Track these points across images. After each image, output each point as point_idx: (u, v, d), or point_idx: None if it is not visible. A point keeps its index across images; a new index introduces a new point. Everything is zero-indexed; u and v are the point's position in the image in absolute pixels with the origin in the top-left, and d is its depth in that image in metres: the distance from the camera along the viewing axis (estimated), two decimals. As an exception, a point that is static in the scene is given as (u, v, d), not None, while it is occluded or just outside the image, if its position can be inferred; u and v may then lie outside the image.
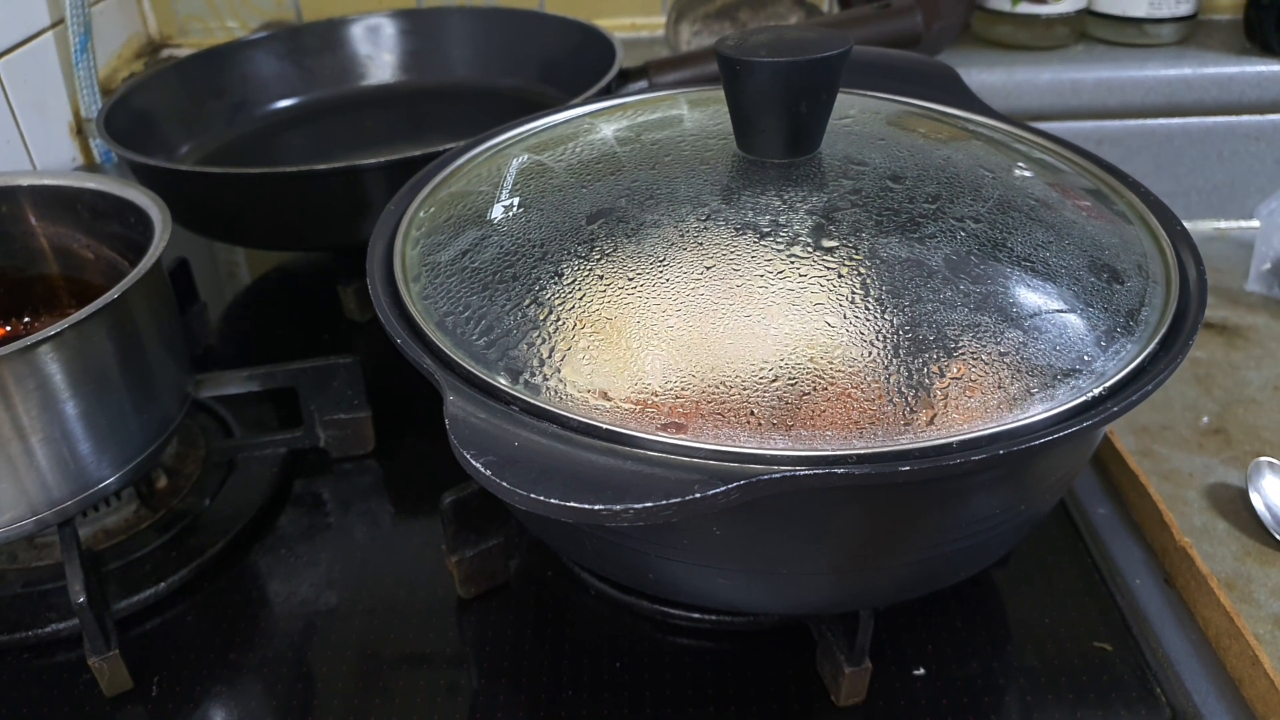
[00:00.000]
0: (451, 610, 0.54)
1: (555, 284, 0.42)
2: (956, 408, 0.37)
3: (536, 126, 0.59)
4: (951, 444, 0.36)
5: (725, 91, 0.46)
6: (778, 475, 0.33)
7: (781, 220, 0.42)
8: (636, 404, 0.37)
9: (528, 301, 0.42)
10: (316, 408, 0.62)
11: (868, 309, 0.39)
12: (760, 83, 0.44)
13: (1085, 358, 0.39)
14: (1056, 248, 0.43)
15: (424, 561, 0.57)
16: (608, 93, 0.76)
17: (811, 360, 0.38)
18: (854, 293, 0.39)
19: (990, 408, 0.37)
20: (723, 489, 0.32)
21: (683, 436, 0.36)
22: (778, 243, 0.41)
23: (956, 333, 0.39)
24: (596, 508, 0.31)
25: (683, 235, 0.42)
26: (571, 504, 0.31)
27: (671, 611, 0.51)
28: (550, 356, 0.40)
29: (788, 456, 0.35)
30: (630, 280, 0.41)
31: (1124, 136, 1.02)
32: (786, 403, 0.37)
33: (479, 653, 0.52)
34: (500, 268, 0.44)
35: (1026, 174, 0.48)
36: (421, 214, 0.51)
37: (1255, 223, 0.88)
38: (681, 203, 0.44)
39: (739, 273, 0.40)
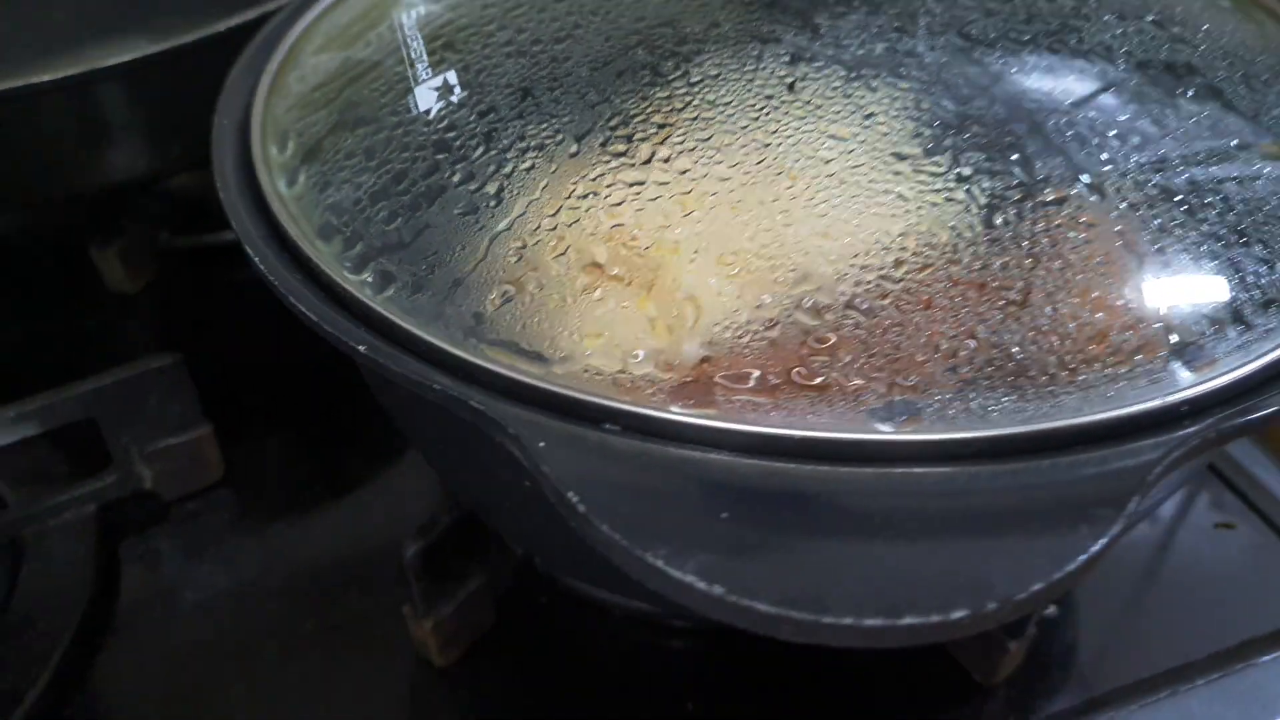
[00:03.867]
0: (428, 684, 0.38)
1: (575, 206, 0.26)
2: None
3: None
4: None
5: None
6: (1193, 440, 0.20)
7: (878, 49, 0.28)
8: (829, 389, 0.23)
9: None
10: (131, 439, 0.42)
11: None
12: None
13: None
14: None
15: (352, 621, 0.40)
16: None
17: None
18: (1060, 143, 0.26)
19: None
20: (1121, 523, 0.18)
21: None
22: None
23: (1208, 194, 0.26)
24: (933, 619, 0.17)
25: (770, 86, 0.27)
26: (909, 620, 0.16)
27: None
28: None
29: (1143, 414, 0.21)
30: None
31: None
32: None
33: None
34: (478, 190, 0.27)
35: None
36: (277, 128, 0.32)
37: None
38: (737, 39, 0.28)
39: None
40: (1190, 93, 0.29)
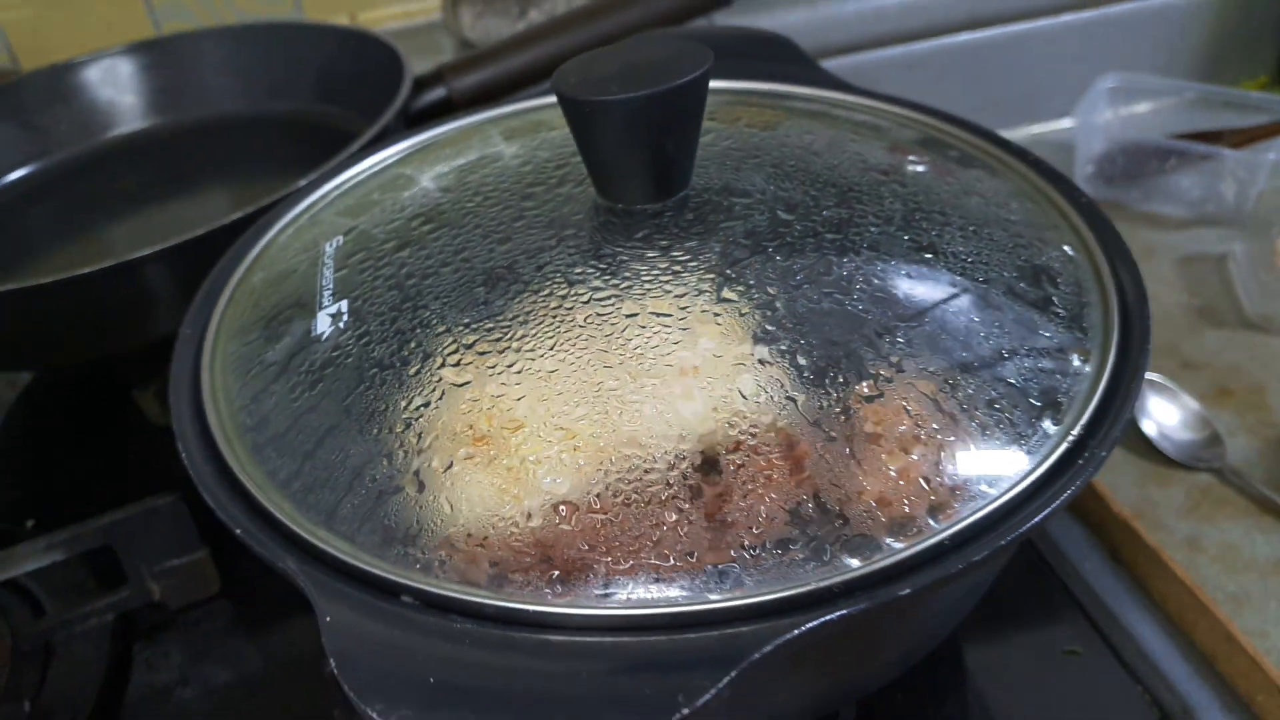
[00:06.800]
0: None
1: (417, 413, 0.34)
2: (940, 487, 0.31)
3: (339, 184, 0.50)
4: (944, 541, 0.30)
5: (575, 136, 0.38)
6: (788, 636, 0.26)
7: (678, 288, 0.36)
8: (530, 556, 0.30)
9: (390, 447, 0.34)
10: (142, 560, 0.52)
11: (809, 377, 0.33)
12: (616, 123, 0.37)
13: (1056, 384, 0.34)
14: (991, 255, 0.38)
15: (325, 713, 0.48)
16: (405, 111, 0.67)
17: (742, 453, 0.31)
18: (783, 362, 0.33)
19: (977, 476, 0.32)
20: (712, 692, 0.25)
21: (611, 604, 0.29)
22: (679, 315, 0.35)
23: (923, 382, 0.33)
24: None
25: (565, 324, 0.35)
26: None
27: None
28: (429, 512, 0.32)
29: (769, 603, 0.28)
30: (512, 385, 0.33)
31: (931, 57, 1.00)
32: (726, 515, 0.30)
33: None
34: (345, 401, 0.35)
35: (918, 168, 0.43)
36: (226, 334, 0.41)
37: (1067, 122, 0.92)
38: (552, 280, 0.36)
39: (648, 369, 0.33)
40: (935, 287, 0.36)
